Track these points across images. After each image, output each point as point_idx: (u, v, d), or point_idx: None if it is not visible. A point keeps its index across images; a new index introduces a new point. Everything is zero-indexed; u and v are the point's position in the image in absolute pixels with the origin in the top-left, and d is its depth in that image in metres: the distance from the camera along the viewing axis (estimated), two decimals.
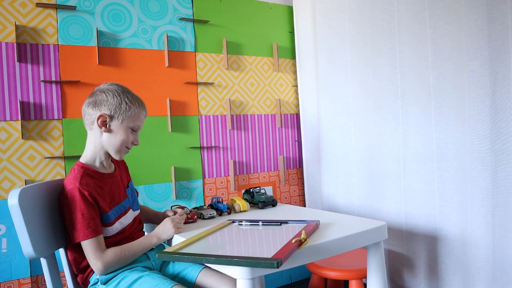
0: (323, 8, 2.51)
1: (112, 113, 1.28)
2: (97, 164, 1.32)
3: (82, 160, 1.31)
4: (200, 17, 2.45)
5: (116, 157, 1.32)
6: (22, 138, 1.94)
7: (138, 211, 1.43)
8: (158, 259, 1.08)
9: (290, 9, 2.79)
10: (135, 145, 1.35)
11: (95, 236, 1.19)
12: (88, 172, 1.27)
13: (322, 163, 2.60)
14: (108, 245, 1.25)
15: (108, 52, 2.17)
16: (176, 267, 1.41)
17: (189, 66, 2.41)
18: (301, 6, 2.69)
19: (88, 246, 1.20)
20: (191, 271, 1.38)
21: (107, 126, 1.28)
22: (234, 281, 1.31)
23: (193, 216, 1.53)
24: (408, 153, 2.02)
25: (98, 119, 1.27)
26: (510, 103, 1.61)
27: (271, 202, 1.76)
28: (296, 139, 2.81)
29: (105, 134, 1.29)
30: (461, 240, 1.82)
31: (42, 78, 2.00)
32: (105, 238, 1.26)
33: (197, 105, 2.43)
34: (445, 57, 1.82)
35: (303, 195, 2.83)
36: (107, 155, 1.33)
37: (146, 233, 1.48)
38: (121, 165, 1.45)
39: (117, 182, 1.36)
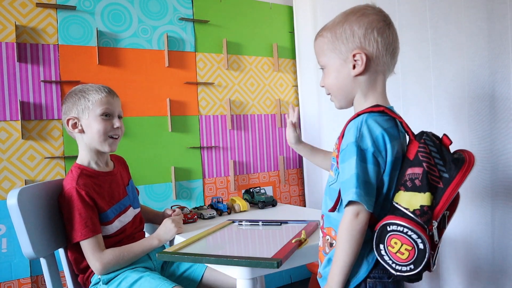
0: (323, 8, 2.51)
1: (76, 113, 1.28)
2: (93, 164, 1.31)
3: (78, 161, 1.31)
4: (200, 17, 2.45)
5: (106, 149, 1.29)
6: (22, 138, 1.94)
7: (139, 209, 1.43)
8: (158, 259, 1.08)
9: (290, 9, 2.79)
10: (118, 127, 1.29)
11: (93, 235, 1.19)
12: (85, 172, 1.27)
13: None
14: (109, 245, 1.25)
15: (108, 52, 2.17)
16: (181, 266, 1.41)
17: (189, 66, 2.41)
18: (301, 6, 2.68)
19: (86, 246, 1.20)
20: (196, 269, 1.38)
21: (79, 126, 1.28)
22: None
23: (193, 216, 1.52)
24: None
25: (67, 124, 1.29)
26: (509, 103, 1.61)
27: (271, 202, 1.76)
28: None
29: (84, 135, 1.29)
30: (461, 240, 1.82)
31: (42, 78, 2.00)
32: (106, 237, 1.26)
33: (197, 105, 2.43)
34: (445, 57, 1.82)
35: (303, 195, 2.83)
36: (100, 154, 1.33)
37: (146, 233, 1.48)
38: (120, 163, 1.45)
39: (116, 180, 1.36)
